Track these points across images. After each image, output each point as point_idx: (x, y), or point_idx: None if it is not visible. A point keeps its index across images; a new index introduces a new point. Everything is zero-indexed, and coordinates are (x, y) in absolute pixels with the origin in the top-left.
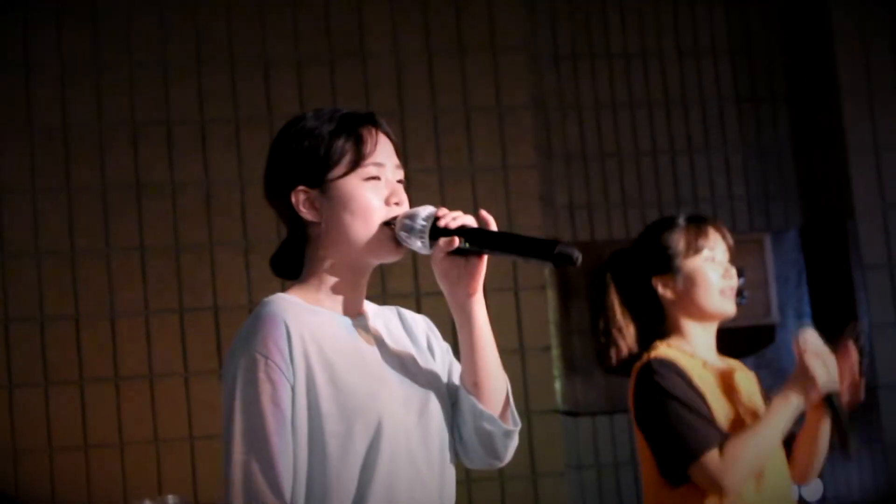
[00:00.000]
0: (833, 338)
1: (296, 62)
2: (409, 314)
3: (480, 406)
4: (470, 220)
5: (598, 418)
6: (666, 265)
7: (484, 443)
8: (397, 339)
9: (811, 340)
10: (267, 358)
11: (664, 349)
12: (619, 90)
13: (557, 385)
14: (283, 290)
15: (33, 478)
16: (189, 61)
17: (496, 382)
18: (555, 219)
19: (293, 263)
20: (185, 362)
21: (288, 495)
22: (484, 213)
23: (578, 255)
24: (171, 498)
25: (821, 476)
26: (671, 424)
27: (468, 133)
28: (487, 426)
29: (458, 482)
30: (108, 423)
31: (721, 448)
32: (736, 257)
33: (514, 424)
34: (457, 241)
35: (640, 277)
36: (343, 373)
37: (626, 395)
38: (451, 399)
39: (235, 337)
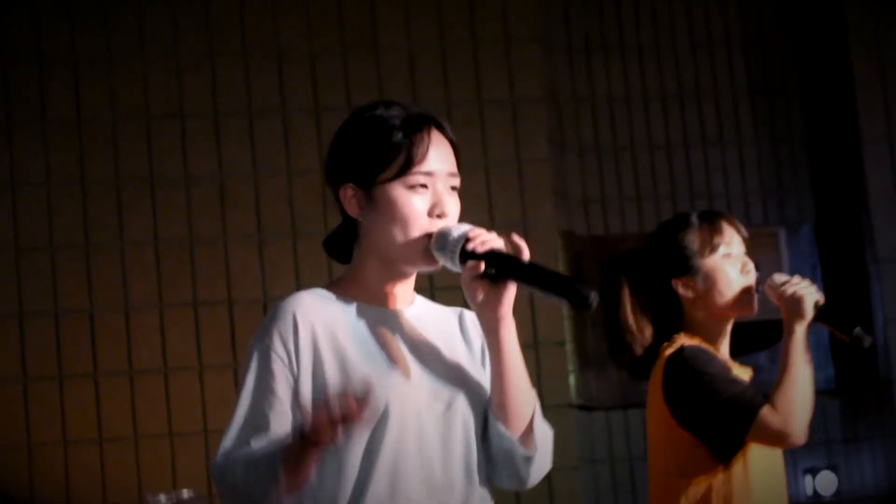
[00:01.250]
0: (846, 333)
1: (309, 55)
2: (472, 319)
3: (502, 428)
4: (500, 244)
5: (612, 413)
6: (684, 266)
7: (505, 464)
8: (445, 339)
9: (776, 278)
10: (269, 348)
11: (687, 339)
12: (632, 83)
13: (572, 379)
14: (297, 283)
15: (48, 471)
16: (202, 54)
17: (520, 406)
18: (568, 212)
19: (343, 248)
20: (200, 355)
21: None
22: (516, 238)
23: (595, 299)
24: (185, 491)
25: (835, 470)
26: (717, 398)
27: (481, 126)
28: (507, 448)
29: None
30: (123, 417)
31: (771, 402)
32: (751, 249)
33: (535, 450)
34: (482, 267)
35: (658, 279)
36: (354, 360)
37: (647, 389)
38: (483, 405)
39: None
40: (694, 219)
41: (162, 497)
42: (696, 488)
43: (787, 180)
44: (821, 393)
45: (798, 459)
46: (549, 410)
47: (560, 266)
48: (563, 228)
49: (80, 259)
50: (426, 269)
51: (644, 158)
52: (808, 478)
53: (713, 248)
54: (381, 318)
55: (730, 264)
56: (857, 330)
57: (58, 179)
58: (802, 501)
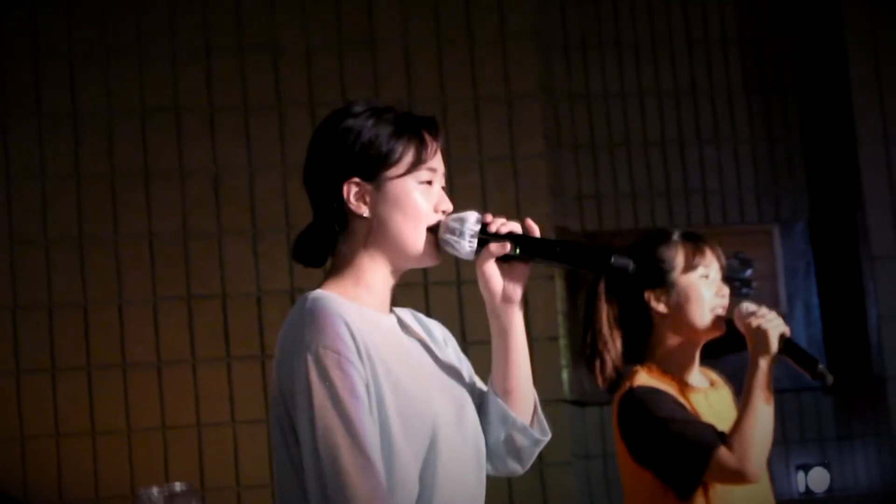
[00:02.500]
0: (840, 329)
1: (305, 50)
2: (424, 317)
3: (513, 414)
4: (517, 227)
5: (605, 408)
6: (660, 279)
7: (511, 450)
8: (426, 340)
9: (744, 307)
10: (338, 353)
11: (644, 376)
12: (628, 80)
13: (565, 375)
14: (292, 278)
15: (41, 464)
16: (198, 48)
17: (526, 391)
18: (563, 208)
19: (318, 252)
20: (193, 349)
21: (382, 478)
22: (530, 221)
23: (633, 266)
24: (178, 485)
25: (828, 467)
26: (671, 441)
27: (477, 122)
28: (518, 435)
29: None
30: (116, 410)
31: (726, 441)
32: (742, 254)
33: (543, 434)
34: (508, 247)
35: (632, 290)
36: (397, 371)
37: (613, 420)
38: (476, 402)
39: (291, 335)
40: (677, 236)
41: (154, 490)
42: None
43: (783, 178)
44: (814, 390)
45: (791, 456)
46: (542, 406)
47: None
48: (558, 224)
49: (74, 252)
50: (429, 263)
51: (639, 155)
52: (801, 474)
53: (692, 267)
54: (394, 326)
55: (705, 286)
56: (821, 367)
57: (52, 173)
58: (795, 498)
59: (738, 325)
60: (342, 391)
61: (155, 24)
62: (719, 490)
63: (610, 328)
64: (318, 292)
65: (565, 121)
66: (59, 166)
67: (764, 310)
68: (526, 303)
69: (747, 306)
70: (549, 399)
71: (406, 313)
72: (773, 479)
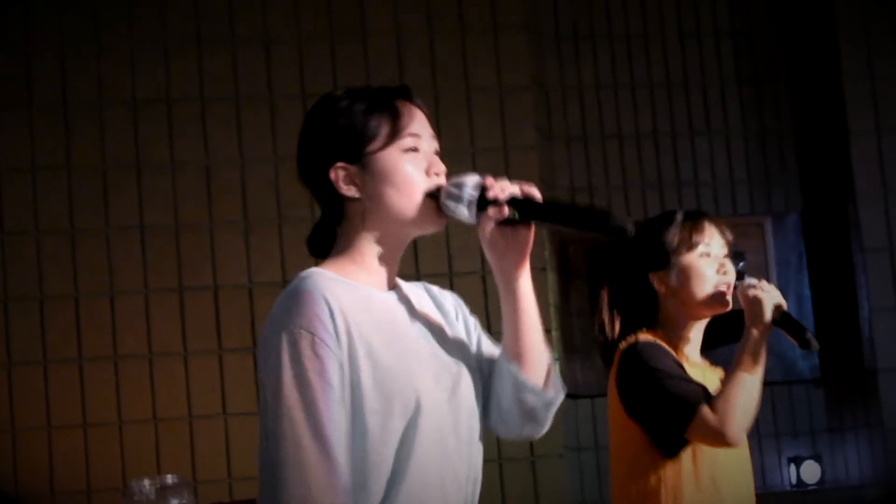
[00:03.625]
0: (832, 321)
1: (296, 41)
2: (436, 289)
3: (523, 377)
4: (517, 191)
5: (597, 400)
6: (662, 261)
7: (525, 413)
8: (429, 314)
9: (746, 281)
10: (313, 334)
11: (648, 335)
12: (620, 71)
13: (557, 367)
14: (283, 270)
15: (32, 456)
16: (189, 39)
17: (539, 353)
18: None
19: (328, 242)
20: (185, 341)
21: (341, 470)
22: (529, 185)
23: (632, 228)
24: (169, 477)
25: (819, 459)
26: (660, 393)
27: (469, 114)
28: (530, 397)
29: None
30: (107, 402)
31: (711, 403)
32: (737, 239)
33: (557, 392)
34: (507, 211)
35: (635, 273)
36: (380, 349)
37: (610, 379)
38: (485, 371)
39: (273, 314)
40: (679, 216)
41: (146, 482)
42: (647, 479)
43: (775, 170)
44: (806, 382)
45: (782, 448)
46: None
47: (546, 253)
48: None
49: (66, 244)
50: (432, 228)
51: (631, 147)
52: (792, 467)
53: (691, 246)
54: (388, 302)
55: (706, 263)
56: (808, 335)
57: (43, 164)
58: (787, 490)
59: (740, 298)
60: (311, 373)
61: (146, 15)
62: (707, 458)
63: (609, 311)
64: (310, 270)
65: (557, 113)
66: (49, 157)
67: (764, 283)
68: None
69: (750, 280)
70: None
71: (415, 287)
72: (766, 467)
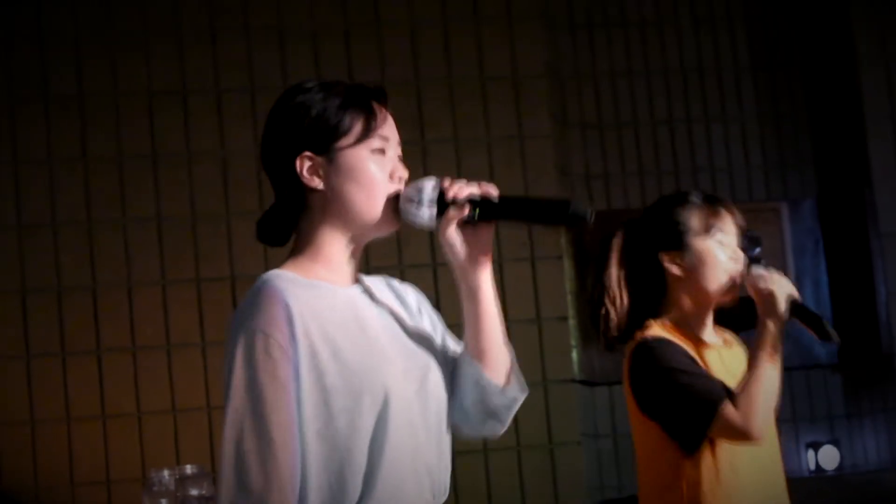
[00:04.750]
0: (849, 306)
1: (311, 31)
2: (397, 283)
3: (487, 377)
4: (475, 190)
5: (614, 387)
6: (676, 241)
7: (487, 411)
8: (393, 308)
9: (755, 271)
10: (268, 335)
11: (657, 328)
12: (635, 59)
13: (574, 354)
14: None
15: (51, 447)
16: (204, 31)
17: (500, 353)
18: (571, 187)
19: (280, 231)
20: (202, 332)
21: (284, 472)
22: (485, 184)
23: (591, 213)
24: (188, 468)
25: (837, 444)
26: (678, 393)
27: (484, 102)
28: (493, 397)
29: (475, 452)
30: (126, 393)
31: (732, 399)
32: (751, 231)
33: (521, 391)
34: (467, 211)
35: (646, 250)
36: (346, 348)
37: (623, 373)
38: (450, 365)
39: (234, 314)
40: (695, 198)
41: (165, 473)
42: (667, 474)
43: (790, 155)
44: (823, 367)
45: (800, 434)
46: (551, 385)
47: (562, 240)
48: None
49: (83, 236)
50: (388, 230)
51: (646, 134)
52: (811, 452)
53: (709, 230)
54: (351, 299)
55: (721, 250)
56: (828, 327)
57: (60, 156)
58: (805, 476)
59: (749, 289)
60: (262, 374)
61: (161, 6)
62: (726, 448)
63: (619, 287)
64: (271, 272)
65: (572, 100)
66: (66, 149)
67: (775, 274)
68: (534, 283)
69: (757, 270)
70: (558, 379)
71: (377, 281)
72: (784, 453)
